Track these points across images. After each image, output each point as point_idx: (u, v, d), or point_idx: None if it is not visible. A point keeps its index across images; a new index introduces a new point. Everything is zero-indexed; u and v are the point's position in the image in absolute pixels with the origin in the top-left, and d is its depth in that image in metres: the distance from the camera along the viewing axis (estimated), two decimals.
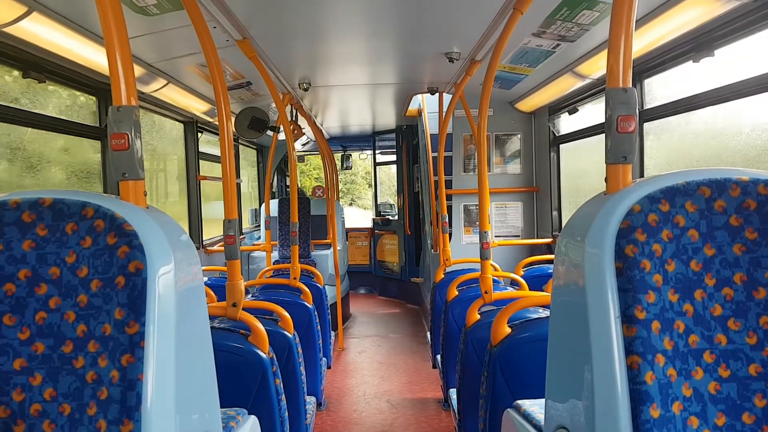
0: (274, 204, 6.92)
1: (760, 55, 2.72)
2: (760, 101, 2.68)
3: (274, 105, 5.31)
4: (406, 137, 8.85)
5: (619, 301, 1.21)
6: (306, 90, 4.79)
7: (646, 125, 3.63)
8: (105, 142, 3.81)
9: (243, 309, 2.50)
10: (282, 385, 2.54)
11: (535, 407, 1.97)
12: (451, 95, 5.08)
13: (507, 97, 5.35)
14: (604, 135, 1.42)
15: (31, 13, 2.47)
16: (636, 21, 1.44)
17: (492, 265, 3.54)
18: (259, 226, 7.95)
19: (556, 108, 5.10)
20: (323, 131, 8.16)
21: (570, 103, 4.77)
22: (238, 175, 7.15)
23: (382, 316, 8.30)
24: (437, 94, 5.27)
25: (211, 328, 2.18)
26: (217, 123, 5.45)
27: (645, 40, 3.05)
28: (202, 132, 5.72)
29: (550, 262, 4.70)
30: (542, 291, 3.66)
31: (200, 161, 5.67)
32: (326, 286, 5.24)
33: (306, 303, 3.95)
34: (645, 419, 1.15)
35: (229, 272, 2.51)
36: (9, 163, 3.21)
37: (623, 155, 1.39)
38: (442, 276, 4.76)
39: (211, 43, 2.37)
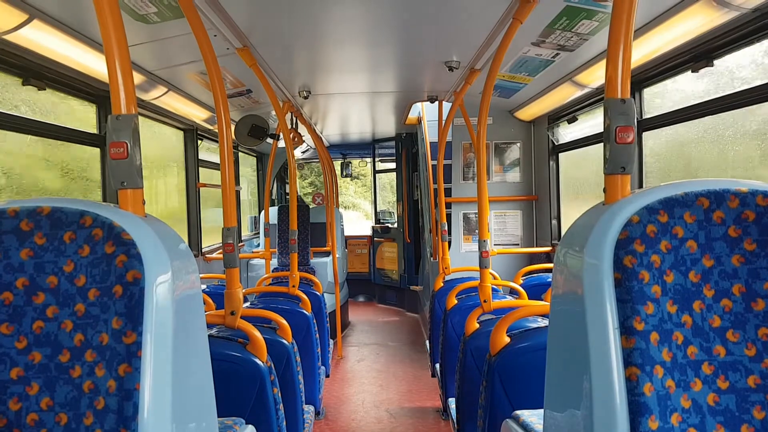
0: (273, 211, 6.92)
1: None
2: None
3: (273, 113, 5.32)
4: (405, 145, 8.87)
5: (617, 312, 1.21)
6: (306, 98, 4.80)
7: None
8: (104, 150, 3.81)
9: (241, 317, 2.50)
10: (280, 394, 2.53)
11: (533, 417, 1.96)
12: (450, 104, 5.09)
13: (506, 105, 5.36)
14: (602, 144, 1.42)
15: (32, 21, 2.47)
16: (635, 31, 1.45)
17: (491, 273, 3.53)
18: (259, 233, 7.95)
19: (556, 117, 5.11)
20: (323, 139, 8.17)
21: (569, 112, 4.78)
22: (237, 183, 7.16)
23: (381, 325, 8.28)
24: (437, 103, 5.28)
25: (209, 336, 2.18)
26: (217, 130, 5.46)
27: (644, 50, 3.06)
28: (202, 139, 5.73)
29: (550, 270, 4.70)
30: (541, 300, 3.66)
31: (200, 169, 5.67)
32: (325, 294, 5.23)
33: (305, 311, 3.94)
34: (643, 431, 1.15)
35: (228, 280, 2.51)
36: None
37: (621, 166, 1.39)
38: (442, 284, 4.75)
39: (211, 51, 2.37)
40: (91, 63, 3.08)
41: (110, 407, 1.19)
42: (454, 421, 3.42)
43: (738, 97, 2.74)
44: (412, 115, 6.61)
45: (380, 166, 10.37)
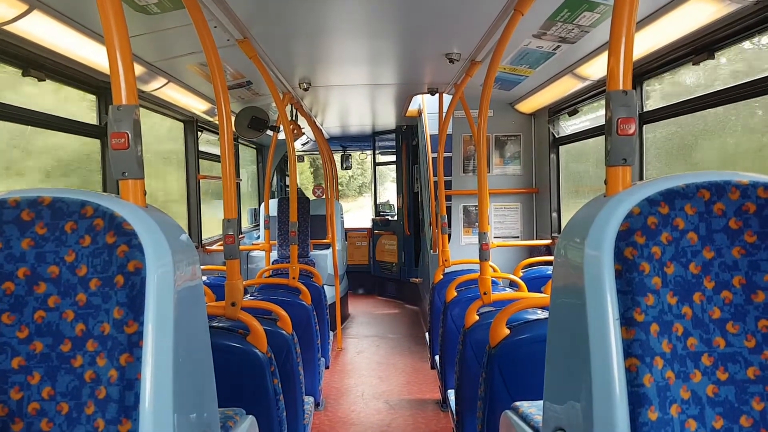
0: (273, 203, 6.92)
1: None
2: None
3: (274, 105, 5.31)
4: (405, 138, 8.85)
5: (618, 303, 1.21)
6: (306, 90, 4.79)
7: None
8: (105, 141, 3.81)
9: (242, 308, 2.50)
10: (280, 385, 2.54)
11: (533, 409, 1.97)
12: (451, 96, 5.08)
13: (507, 98, 5.35)
14: (604, 137, 1.42)
15: (32, 11, 2.47)
16: (636, 23, 1.44)
17: (491, 266, 3.54)
18: (259, 225, 7.95)
19: (556, 109, 5.11)
20: (323, 131, 8.16)
21: (570, 105, 4.77)
22: (237, 175, 7.15)
23: (380, 317, 8.30)
24: (437, 95, 5.27)
25: (210, 327, 2.18)
26: (217, 122, 5.45)
27: (645, 43, 3.05)
28: (202, 131, 5.72)
29: (550, 263, 4.70)
30: (541, 292, 3.67)
31: (200, 160, 5.67)
32: (325, 286, 5.24)
33: (305, 303, 3.95)
34: (643, 422, 1.16)
35: (228, 272, 2.51)
36: None
37: (623, 157, 1.39)
38: (441, 277, 4.76)
39: (211, 42, 2.37)
40: (92, 54, 3.07)
41: (111, 396, 1.20)
42: (454, 412, 3.44)
43: (740, 89, 2.74)
44: (413, 108, 6.60)
45: (380, 158, 10.36)
